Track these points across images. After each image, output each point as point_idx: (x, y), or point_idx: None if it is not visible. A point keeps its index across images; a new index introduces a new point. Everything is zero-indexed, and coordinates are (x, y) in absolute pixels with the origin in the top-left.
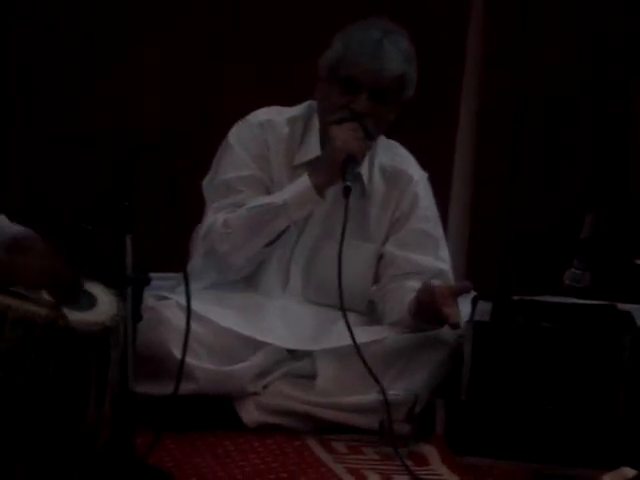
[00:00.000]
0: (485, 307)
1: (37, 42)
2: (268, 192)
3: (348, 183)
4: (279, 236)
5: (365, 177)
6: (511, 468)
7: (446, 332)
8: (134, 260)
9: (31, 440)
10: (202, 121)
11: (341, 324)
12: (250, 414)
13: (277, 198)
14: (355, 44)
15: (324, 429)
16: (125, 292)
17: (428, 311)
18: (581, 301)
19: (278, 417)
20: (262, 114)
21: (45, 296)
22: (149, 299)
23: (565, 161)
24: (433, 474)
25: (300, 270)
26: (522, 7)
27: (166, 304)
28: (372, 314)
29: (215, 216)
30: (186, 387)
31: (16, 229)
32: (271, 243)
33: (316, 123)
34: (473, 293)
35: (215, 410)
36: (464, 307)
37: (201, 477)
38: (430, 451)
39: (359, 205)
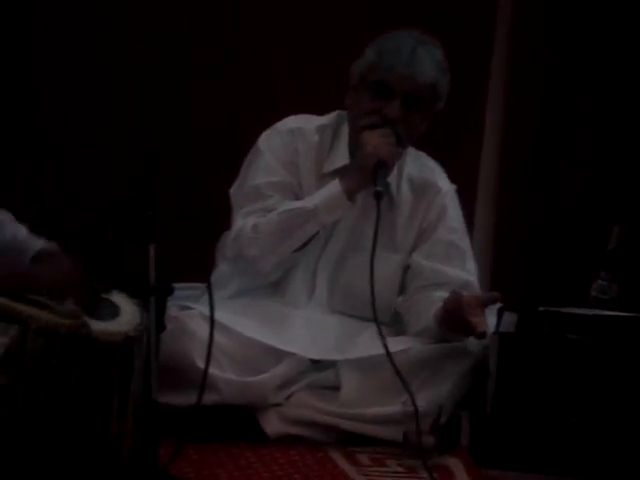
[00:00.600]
0: (511, 318)
1: (54, 50)
2: (297, 198)
3: (379, 188)
4: (308, 241)
5: (393, 187)
6: None
7: (472, 343)
8: (157, 270)
9: (53, 451)
10: (224, 131)
11: (366, 335)
12: (273, 425)
13: (307, 203)
14: (389, 51)
15: (347, 440)
16: (148, 302)
17: (454, 320)
18: (608, 313)
19: (301, 428)
20: (292, 122)
21: (69, 306)
22: (172, 309)
23: (592, 173)
24: None
25: (326, 279)
26: (548, 24)
27: (190, 314)
28: (397, 325)
29: (245, 220)
30: (209, 398)
31: (40, 243)
32: (300, 248)
33: (345, 131)
34: (499, 304)
35: (238, 421)
36: (490, 318)
37: None
38: (455, 463)
39: (387, 215)
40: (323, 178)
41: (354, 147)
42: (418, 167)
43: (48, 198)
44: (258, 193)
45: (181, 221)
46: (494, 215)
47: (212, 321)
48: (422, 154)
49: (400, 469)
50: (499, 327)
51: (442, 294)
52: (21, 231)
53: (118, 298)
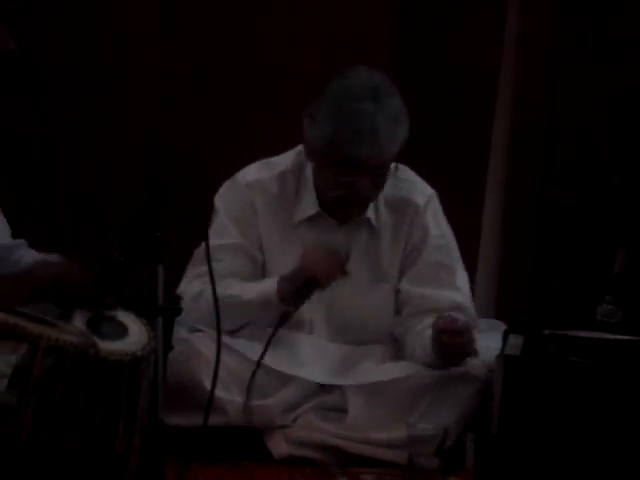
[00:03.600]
0: (516, 341)
1: (63, 53)
2: (251, 258)
3: (291, 308)
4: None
5: (372, 215)
6: None
7: (475, 366)
8: (165, 290)
9: (61, 468)
10: (231, 146)
11: (369, 360)
12: (279, 447)
13: (246, 292)
14: (348, 130)
15: (352, 461)
16: (156, 322)
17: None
18: (613, 336)
19: (307, 450)
20: (250, 173)
21: (77, 324)
22: (181, 331)
23: (598, 195)
24: None
25: (322, 314)
26: (556, 32)
27: (199, 337)
28: (397, 344)
29: (189, 285)
30: (216, 419)
31: (38, 255)
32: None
33: (309, 176)
34: (504, 327)
35: (244, 442)
36: (494, 340)
37: None
38: None
39: (369, 245)
40: (297, 227)
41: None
42: (392, 185)
43: (56, 217)
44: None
45: (189, 240)
46: (499, 238)
47: (219, 343)
48: (394, 166)
49: None
50: (504, 350)
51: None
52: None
53: (126, 317)
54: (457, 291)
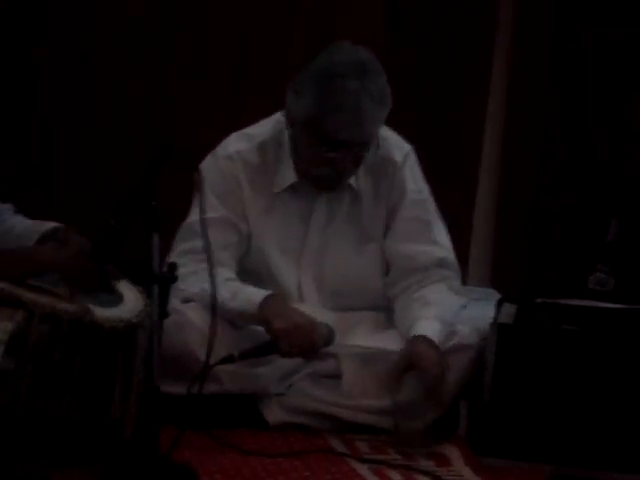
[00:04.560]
0: (509, 310)
1: (70, 39)
2: (237, 231)
3: (236, 355)
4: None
5: (352, 181)
6: (532, 469)
7: (469, 335)
8: (161, 258)
9: (56, 433)
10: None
11: (364, 326)
12: (274, 414)
13: (232, 299)
14: (332, 108)
15: (346, 428)
16: (152, 289)
17: None
18: (605, 305)
19: (302, 416)
20: (231, 145)
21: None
22: (174, 301)
23: (592, 165)
24: (455, 475)
25: (312, 280)
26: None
27: (191, 306)
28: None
29: (177, 261)
30: (210, 388)
31: (49, 224)
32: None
33: (288, 146)
34: (498, 295)
35: (239, 409)
36: (488, 309)
37: (224, 474)
38: (452, 452)
39: (352, 209)
40: (277, 197)
41: (297, 165)
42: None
43: (55, 190)
44: (192, 231)
45: (184, 209)
46: (494, 209)
47: (214, 313)
48: None
49: (399, 456)
50: (498, 318)
51: (419, 287)
52: (23, 221)
53: (122, 285)
54: (436, 245)
